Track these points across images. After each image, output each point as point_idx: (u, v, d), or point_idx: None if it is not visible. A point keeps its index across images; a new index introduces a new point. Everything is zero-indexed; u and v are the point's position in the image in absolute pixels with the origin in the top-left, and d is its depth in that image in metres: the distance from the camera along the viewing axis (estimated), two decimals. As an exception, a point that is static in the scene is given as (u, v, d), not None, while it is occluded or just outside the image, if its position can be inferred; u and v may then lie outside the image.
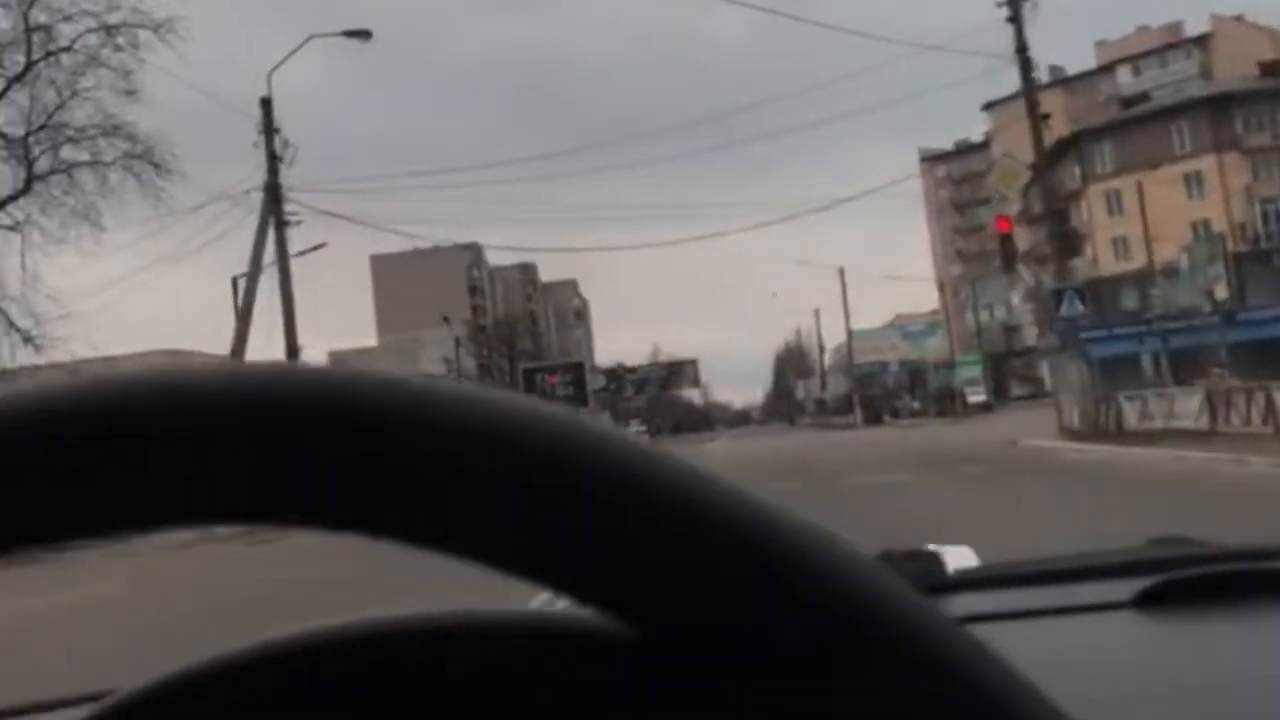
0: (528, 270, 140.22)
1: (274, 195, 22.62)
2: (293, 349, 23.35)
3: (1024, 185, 29.76)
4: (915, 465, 20.54)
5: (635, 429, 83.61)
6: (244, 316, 20.97)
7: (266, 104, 23.08)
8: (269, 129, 22.91)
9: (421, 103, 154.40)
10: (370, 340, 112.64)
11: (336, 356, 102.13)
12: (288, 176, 23.05)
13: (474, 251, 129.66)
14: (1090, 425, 23.05)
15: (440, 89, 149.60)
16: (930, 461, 21.42)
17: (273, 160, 22.84)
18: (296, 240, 29.47)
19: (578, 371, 70.83)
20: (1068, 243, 39.03)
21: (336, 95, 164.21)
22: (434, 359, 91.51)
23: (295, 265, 22.80)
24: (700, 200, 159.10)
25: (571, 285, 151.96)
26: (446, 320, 56.51)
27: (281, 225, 22.89)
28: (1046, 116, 25.70)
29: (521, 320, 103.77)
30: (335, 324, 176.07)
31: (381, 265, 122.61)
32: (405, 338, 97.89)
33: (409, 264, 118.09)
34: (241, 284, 24.64)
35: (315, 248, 29.45)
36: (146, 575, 12.65)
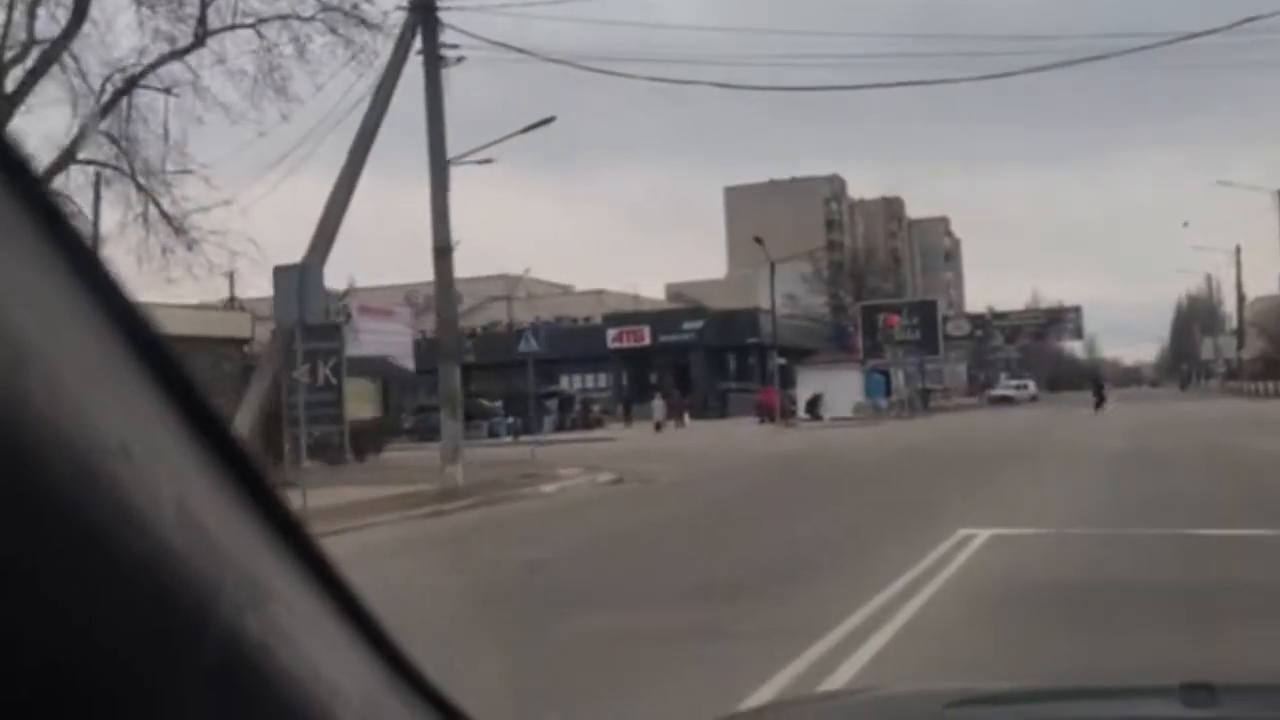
0: (893, 205, 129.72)
1: (424, 14, 15.11)
2: (442, 248, 15.91)
3: None
4: None
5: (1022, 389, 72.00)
6: (337, 204, 13.58)
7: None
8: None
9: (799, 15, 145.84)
10: (717, 273, 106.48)
11: (674, 289, 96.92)
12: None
13: (834, 183, 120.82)
14: None
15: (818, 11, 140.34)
16: None
17: (426, -36, 15.29)
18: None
19: (926, 312, 60.11)
20: None
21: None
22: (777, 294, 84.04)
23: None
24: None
25: (942, 223, 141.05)
26: (759, 240, 47.96)
27: (435, 59, 15.37)
28: None
29: (879, 257, 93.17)
30: (684, 255, 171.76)
31: (735, 196, 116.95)
32: (750, 272, 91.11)
33: (764, 196, 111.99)
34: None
35: (542, 122, 22.02)
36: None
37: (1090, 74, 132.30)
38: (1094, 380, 49.84)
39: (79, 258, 0.51)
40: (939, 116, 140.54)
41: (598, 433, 43.09)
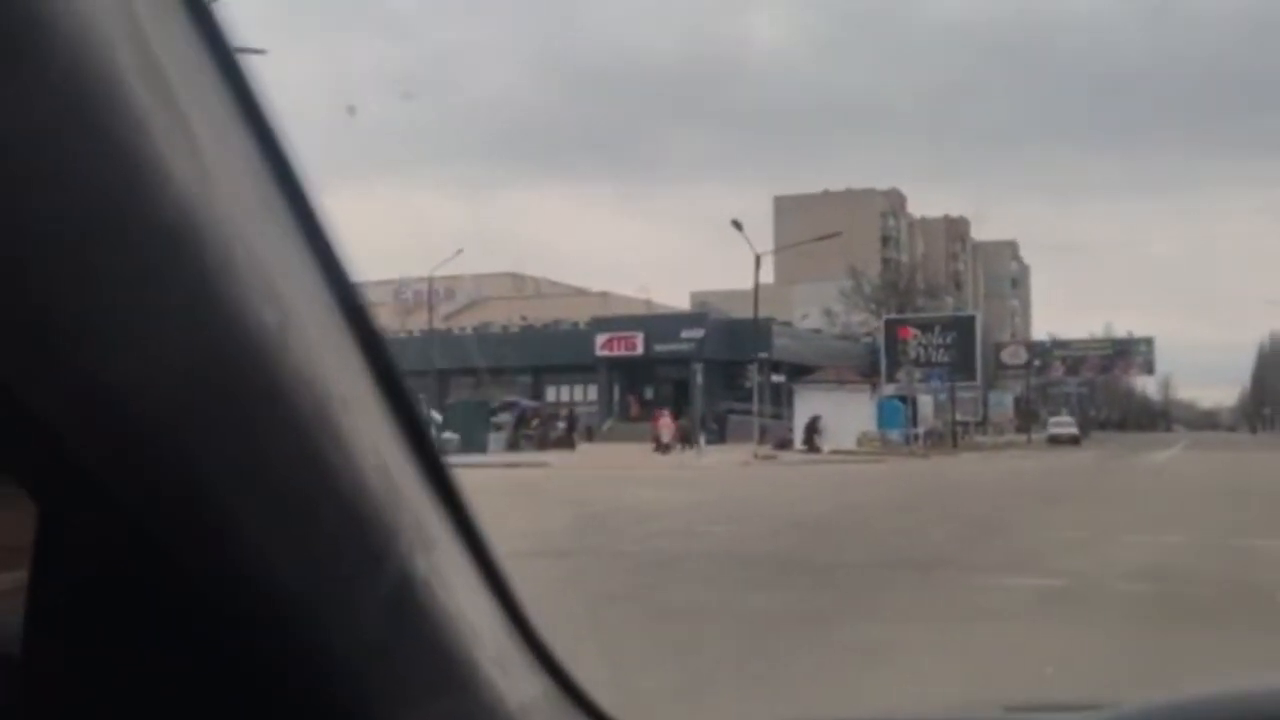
0: (957, 225, 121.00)
1: None
2: None
3: None
4: None
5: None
6: None
7: None
8: None
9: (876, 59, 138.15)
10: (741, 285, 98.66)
11: (699, 297, 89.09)
12: None
13: (892, 197, 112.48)
14: None
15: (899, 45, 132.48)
16: None
17: None
18: None
19: (962, 329, 50.89)
20: None
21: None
22: (810, 311, 76.16)
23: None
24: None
25: (1010, 247, 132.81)
26: (736, 225, 39.95)
27: None
28: None
29: (929, 274, 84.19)
30: (730, 266, 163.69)
31: (784, 205, 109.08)
32: (782, 287, 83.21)
33: (815, 206, 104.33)
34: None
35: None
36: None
37: (1187, 109, 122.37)
38: None
39: (317, 234, 0.60)
40: (1022, 140, 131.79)
41: (547, 455, 35.56)
